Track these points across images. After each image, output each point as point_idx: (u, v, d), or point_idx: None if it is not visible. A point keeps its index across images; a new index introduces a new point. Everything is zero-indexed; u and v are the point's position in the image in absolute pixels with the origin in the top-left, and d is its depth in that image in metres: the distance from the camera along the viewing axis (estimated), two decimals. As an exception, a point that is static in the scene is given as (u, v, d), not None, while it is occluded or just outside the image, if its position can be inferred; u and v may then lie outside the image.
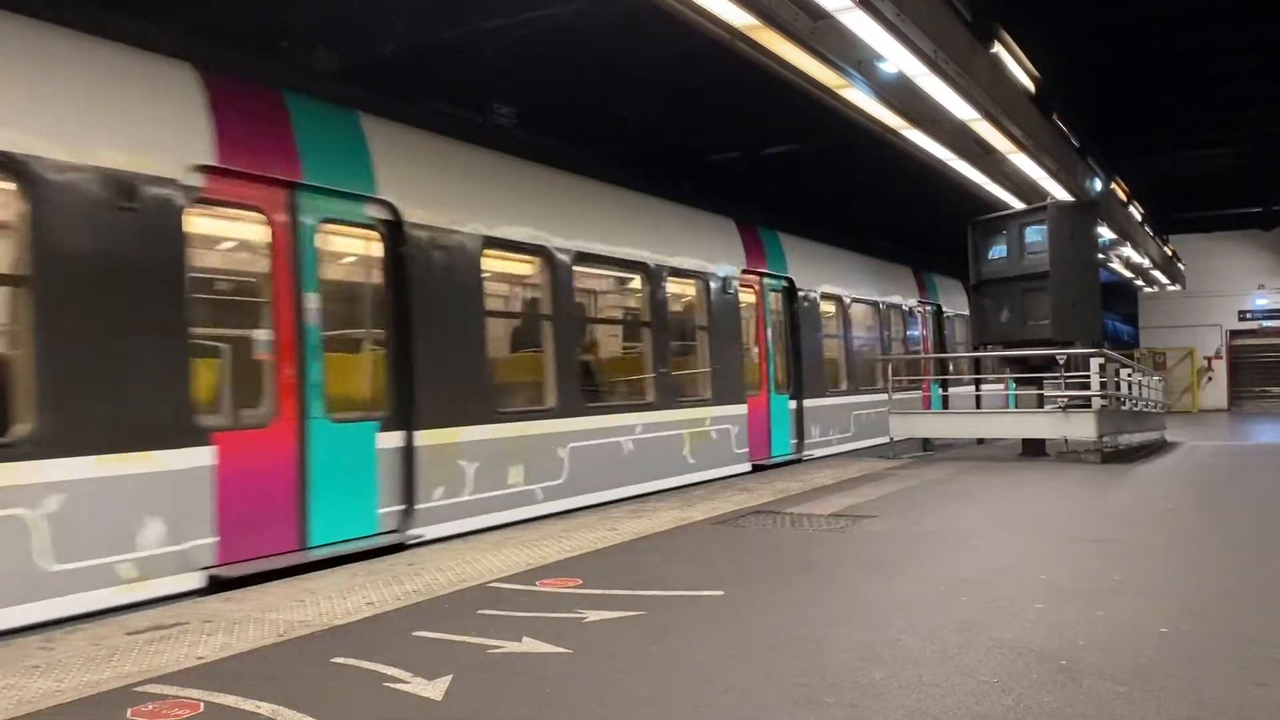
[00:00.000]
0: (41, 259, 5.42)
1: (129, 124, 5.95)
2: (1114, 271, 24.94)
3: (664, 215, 11.63)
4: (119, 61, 6.08)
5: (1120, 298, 31.48)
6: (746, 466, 12.13)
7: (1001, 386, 19.99)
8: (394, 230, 7.60)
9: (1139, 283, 29.12)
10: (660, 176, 11.98)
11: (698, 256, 11.69)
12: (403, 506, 7.49)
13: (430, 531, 7.53)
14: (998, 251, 13.76)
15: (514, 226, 8.88)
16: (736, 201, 13.32)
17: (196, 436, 6.10)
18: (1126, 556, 6.36)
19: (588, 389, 10.04)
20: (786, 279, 13.71)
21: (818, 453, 14.01)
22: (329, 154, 7.24)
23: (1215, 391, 31.45)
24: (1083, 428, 12.15)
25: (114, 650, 4.39)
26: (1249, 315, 31.43)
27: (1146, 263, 24.84)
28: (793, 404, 13.72)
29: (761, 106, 11.74)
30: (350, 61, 8.81)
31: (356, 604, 5.21)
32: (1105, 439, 12.24)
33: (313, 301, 6.91)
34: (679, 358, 11.64)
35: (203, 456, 6.12)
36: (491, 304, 9.05)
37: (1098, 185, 16.73)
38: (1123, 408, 13.78)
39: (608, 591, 5.38)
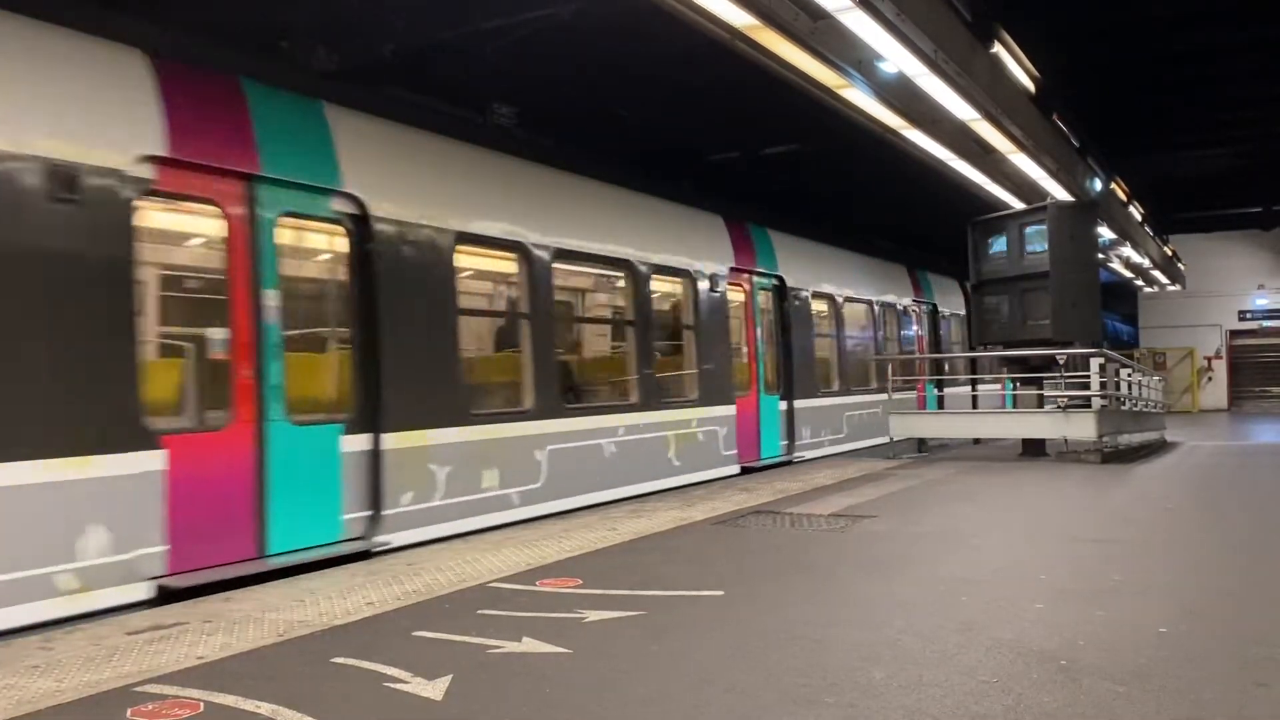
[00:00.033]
0: None
1: (71, 112, 5.66)
2: (1114, 271, 24.94)
3: (648, 211, 11.40)
4: (60, 47, 5.78)
5: (1120, 298, 31.48)
6: (735, 469, 11.93)
7: (999, 387, 19.93)
8: (360, 225, 7.35)
9: (1139, 283, 29.12)
10: (647, 173, 11.82)
11: (684, 254, 11.45)
12: (369, 512, 7.24)
13: (398, 538, 7.27)
14: (998, 251, 13.76)
15: (489, 221, 8.65)
16: (725, 199, 13.14)
17: (145, 440, 5.84)
18: (1126, 556, 6.36)
19: (568, 390, 9.80)
20: (777, 277, 13.49)
21: (809, 454, 13.81)
22: (290, 145, 6.97)
23: (1215, 391, 31.44)
24: (1083, 428, 12.15)
25: (114, 650, 4.39)
26: (1249, 315, 31.43)
27: (1146, 263, 24.84)
28: (783, 405, 13.50)
29: (761, 106, 11.73)
30: (350, 61, 8.80)
31: (356, 604, 5.21)
32: (1105, 439, 12.24)
33: (272, 299, 6.64)
34: (664, 358, 11.43)
35: (152, 461, 5.85)
36: (465, 302, 8.84)
37: (1098, 185, 16.73)
38: (1123, 408, 13.78)
39: (608, 591, 5.38)
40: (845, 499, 9.06)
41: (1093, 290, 13.26)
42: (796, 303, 13.83)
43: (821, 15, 7.49)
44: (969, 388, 20.20)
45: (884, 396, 15.54)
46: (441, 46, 9.46)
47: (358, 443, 7.20)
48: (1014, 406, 16.82)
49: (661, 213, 11.62)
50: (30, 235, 5.40)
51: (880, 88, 9.35)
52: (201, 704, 3.62)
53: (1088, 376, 12.64)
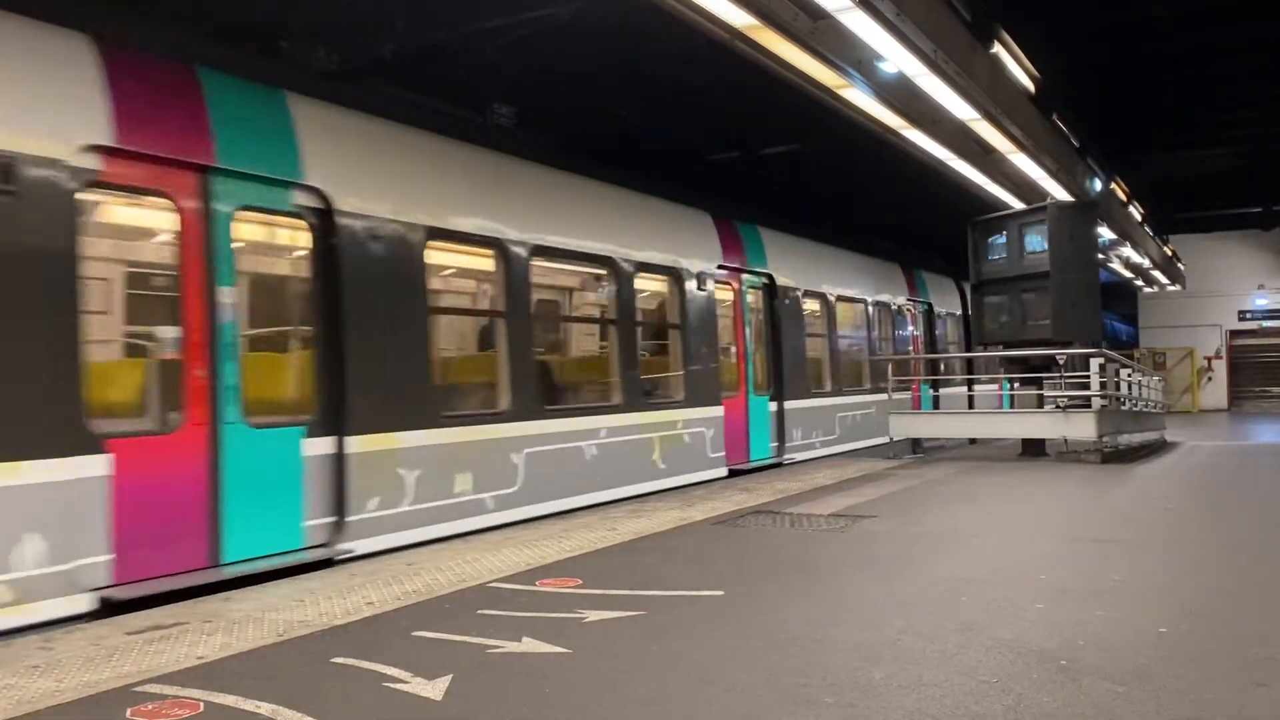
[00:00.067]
0: None
1: (5, 98, 5.38)
2: (1114, 271, 24.95)
3: (633, 207, 11.09)
4: None
5: (1120, 298, 31.49)
6: (722, 471, 11.66)
7: (995, 387, 19.85)
8: (324, 219, 7.04)
9: (1139, 283, 29.13)
10: (632, 169, 11.56)
11: (669, 251, 11.18)
12: (333, 518, 6.95)
13: (363, 545, 6.98)
14: (998, 251, 13.76)
15: (463, 217, 8.35)
16: (713, 196, 12.88)
17: (88, 444, 5.54)
18: (1126, 556, 6.36)
19: (546, 391, 9.49)
20: (767, 275, 13.20)
21: (800, 456, 13.52)
22: (248, 136, 6.65)
23: (1215, 391, 31.46)
24: (1082, 428, 12.15)
25: (113, 650, 4.39)
26: (1249, 315, 31.45)
27: (1146, 263, 24.85)
28: (773, 406, 13.22)
29: (761, 106, 11.74)
30: (350, 61, 8.80)
31: (356, 604, 5.21)
32: (1105, 439, 12.25)
33: (228, 296, 6.33)
34: (649, 357, 11.17)
35: (95, 466, 5.56)
36: (437, 300, 8.64)
37: (1097, 185, 16.74)
38: (1122, 408, 13.79)
39: (608, 591, 5.38)
40: (845, 499, 9.06)
41: (1093, 290, 13.26)
42: (787, 301, 13.54)
43: (821, 15, 7.50)
44: (965, 388, 20.03)
45: (877, 397, 15.46)
46: (441, 46, 9.46)
47: (320, 446, 6.91)
48: (1011, 407, 16.85)
49: (646, 209, 11.34)
50: None
51: (880, 88, 9.36)
52: (201, 704, 3.62)
53: (1087, 376, 12.65)
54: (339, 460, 6.99)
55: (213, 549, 6.20)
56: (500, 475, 8.42)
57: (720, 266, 12.15)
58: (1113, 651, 4.12)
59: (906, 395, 16.53)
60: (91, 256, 5.96)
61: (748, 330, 12.81)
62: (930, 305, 19.27)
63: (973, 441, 16.16)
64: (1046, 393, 13.41)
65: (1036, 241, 13.14)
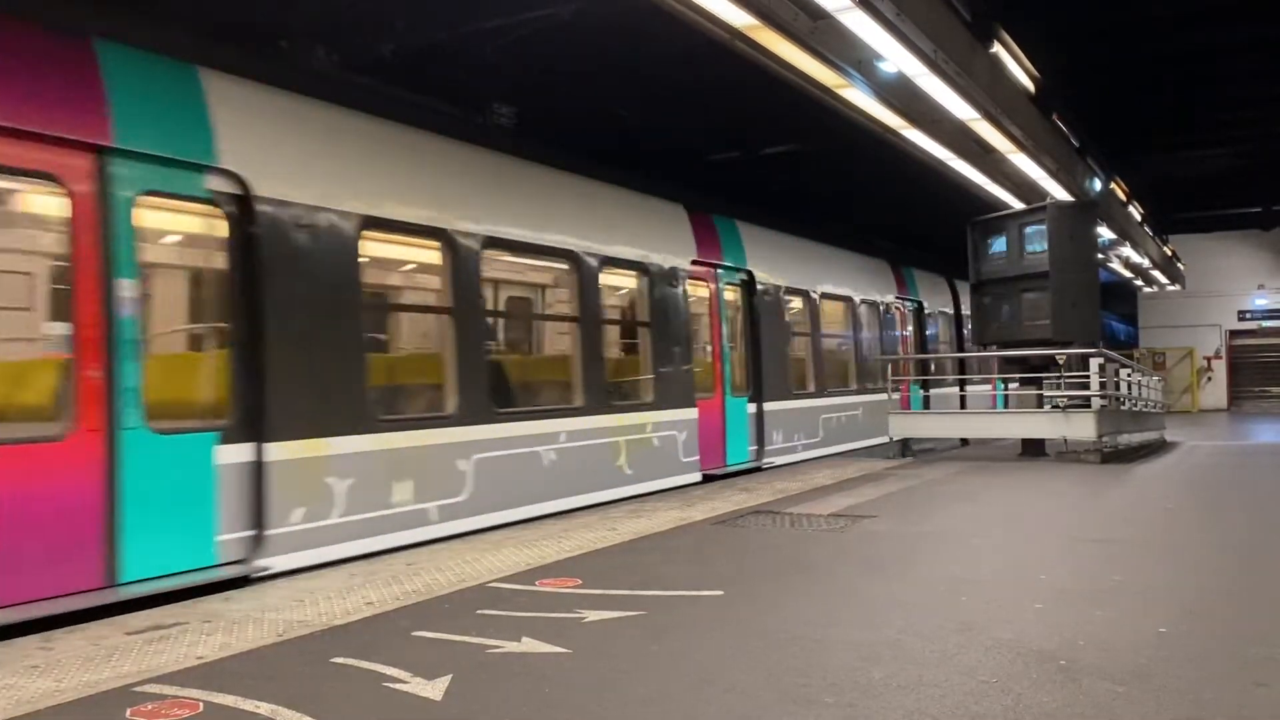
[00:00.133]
0: None
1: None
2: (1114, 271, 24.95)
3: (598, 199, 10.48)
4: None
5: (1120, 298, 31.49)
6: (696, 476, 11.09)
7: (989, 387, 19.71)
8: (242, 206, 6.47)
9: (1139, 283, 29.13)
10: (600, 159, 11.05)
11: (639, 245, 10.61)
12: (251, 532, 6.37)
13: (282, 562, 6.42)
14: (997, 251, 13.76)
15: (404, 206, 7.79)
16: (686, 187, 12.42)
17: None
18: (1126, 556, 6.37)
19: (499, 393, 8.80)
20: (745, 271, 12.64)
21: (780, 460, 12.95)
22: (153, 114, 6.08)
23: (1215, 391, 31.46)
24: (1082, 428, 12.15)
25: (113, 650, 4.39)
26: (1249, 315, 31.45)
27: (1146, 263, 24.86)
28: (752, 407, 12.60)
29: (761, 106, 11.74)
30: (350, 61, 8.81)
31: (356, 604, 5.21)
32: (1105, 439, 12.25)
33: (128, 289, 5.76)
34: (616, 357, 10.75)
35: None
36: (373, 295, 8.08)
37: (1097, 185, 16.74)
38: (1122, 408, 13.79)
39: (607, 591, 5.38)
40: (845, 499, 9.07)
41: (1092, 290, 13.26)
42: (767, 299, 13.02)
43: (821, 15, 7.50)
44: (957, 388, 19.65)
45: (864, 398, 15.27)
46: (441, 46, 9.47)
47: (236, 453, 6.31)
48: (1006, 406, 16.78)
49: (613, 201, 10.73)
50: None
51: (880, 88, 9.36)
52: (201, 704, 3.62)
53: (1087, 376, 12.65)
54: (258, 469, 6.43)
55: (108, 568, 5.64)
56: (445, 483, 7.86)
57: (695, 262, 11.61)
58: (1113, 651, 4.12)
59: (879, 398, 16.07)
60: None
61: (724, 329, 12.23)
62: (921, 303, 18.83)
63: (964, 443, 16.04)
64: (1046, 393, 13.40)
65: (1036, 242, 13.14)
